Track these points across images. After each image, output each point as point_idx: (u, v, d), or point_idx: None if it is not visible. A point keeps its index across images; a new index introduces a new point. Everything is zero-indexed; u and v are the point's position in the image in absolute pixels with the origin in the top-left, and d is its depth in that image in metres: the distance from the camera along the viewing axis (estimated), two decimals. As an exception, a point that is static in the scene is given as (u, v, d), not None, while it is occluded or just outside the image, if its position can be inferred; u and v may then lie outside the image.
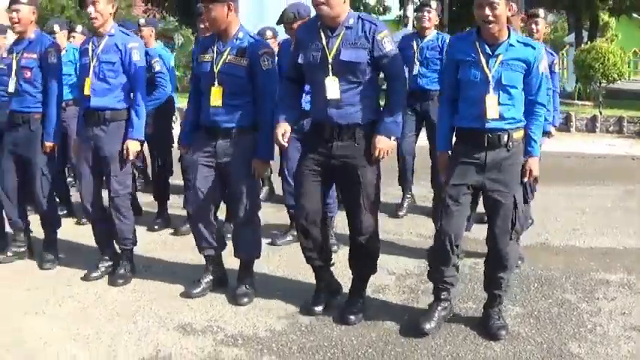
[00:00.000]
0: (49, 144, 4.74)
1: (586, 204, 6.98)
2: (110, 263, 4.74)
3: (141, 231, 5.25)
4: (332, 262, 4.14)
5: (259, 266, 4.56)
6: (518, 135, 3.66)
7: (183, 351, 3.63)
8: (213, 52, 4.12)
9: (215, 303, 4.26)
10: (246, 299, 4.22)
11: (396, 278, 4.68)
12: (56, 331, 3.86)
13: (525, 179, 3.74)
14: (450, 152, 3.82)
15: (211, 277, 4.40)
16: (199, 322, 3.99)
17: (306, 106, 4.27)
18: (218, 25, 4.07)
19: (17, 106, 4.75)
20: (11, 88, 4.75)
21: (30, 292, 4.48)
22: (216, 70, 4.07)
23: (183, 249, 5.23)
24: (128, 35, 4.57)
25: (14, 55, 4.78)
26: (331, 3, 3.64)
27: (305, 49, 3.82)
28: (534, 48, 3.61)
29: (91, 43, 4.53)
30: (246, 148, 4.11)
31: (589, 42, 17.23)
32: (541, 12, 5.07)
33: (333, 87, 3.71)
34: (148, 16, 19.39)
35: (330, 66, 3.71)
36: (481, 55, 3.57)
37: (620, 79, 15.08)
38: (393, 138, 3.79)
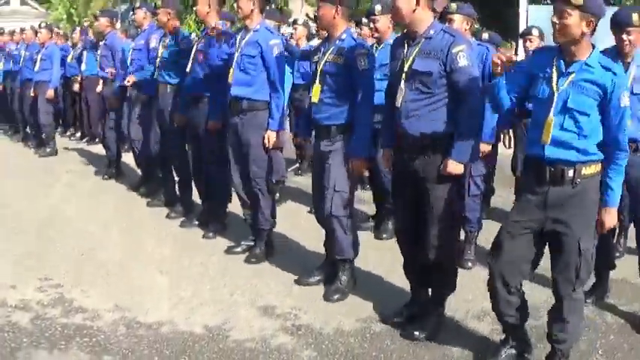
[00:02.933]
0: None
1: None
2: (252, 243, 5.15)
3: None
4: None
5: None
6: (590, 171, 3.12)
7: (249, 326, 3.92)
8: (320, 52, 4.28)
9: (310, 294, 4.41)
10: (336, 296, 4.29)
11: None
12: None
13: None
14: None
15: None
16: (281, 307, 4.20)
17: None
18: (324, 24, 4.23)
19: None
20: None
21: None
22: (318, 69, 4.23)
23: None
24: (272, 33, 4.89)
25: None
26: (400, 14, 3.59)
27: (392, 60, 3.83)
28: (615, 74, 3.03)
29: (239, 36, 4.96)
30: (342, 147, 4.19)
31: None
32: (635, 17, 3.89)
33: (402, 96, 3.64)
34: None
35: (404, 75, 3.63)
36: (554, 70, 3.13)
37: None
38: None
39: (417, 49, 3.59)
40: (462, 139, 3.55)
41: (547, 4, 24.13)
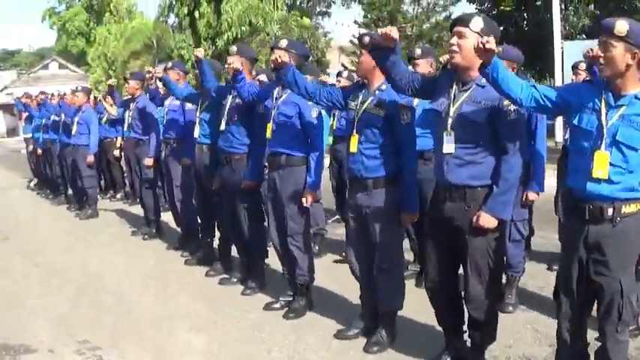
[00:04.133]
0: None
1: None
2: (290, 298, 5.08)
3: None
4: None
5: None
6: (632, 209, 3.01)
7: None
8: (358, 100, 4.22)
9: (349, 347, 4.30)
10: (376, 348, 4.17)
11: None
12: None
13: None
14: None
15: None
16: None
17: None
18: (363, 72, 4.19)
19: None
20: None
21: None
22: (356, 119, 4.17)
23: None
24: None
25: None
26: (464, 53, 3.45)
27: (438, 97, 3.71)
28: None
29: (275, 91, 4.99)
30: (384, 201, 4.08)
31: None
32: None
33: (449, 142, 3.55)
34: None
35: (450, 119, 3.55)
36: (603, 103, 3.06)
37: None
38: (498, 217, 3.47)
39: (465, 95, 3.52)
40: (499, 193, 3.46)
41: (582, 38, 24.23)
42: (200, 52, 5.74)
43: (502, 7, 24.85)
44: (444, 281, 3.74)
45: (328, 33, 29.61)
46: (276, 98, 4.96)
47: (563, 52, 15.98)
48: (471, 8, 26.40)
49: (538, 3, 25.05)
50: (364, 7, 26.46)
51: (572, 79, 6.21)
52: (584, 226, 3.07)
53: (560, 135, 15.69)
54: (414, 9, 26.01)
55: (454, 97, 3.57)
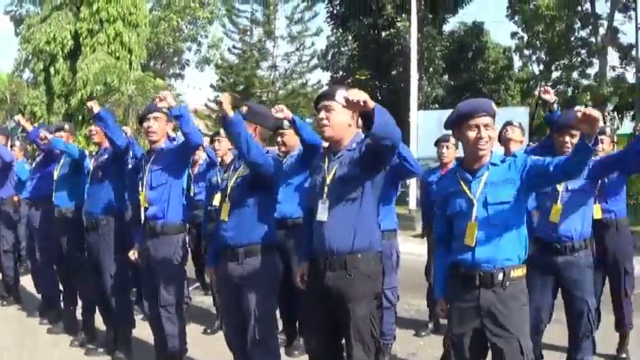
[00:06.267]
0: None
1: None
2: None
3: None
4: None
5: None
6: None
7: None
8: (230, 169, 4.23)
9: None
10: None
11: None
12: None
13: None
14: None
15: None
16: None
17: None
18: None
19: None
20: None
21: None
22: (229, 186, 4.13)
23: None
24: None
25: None
26: (334, 126, 3.55)
27: (313, 175, 3.77)
28: None
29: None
30: (258, 270, 4.00)
31: None
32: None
33: (323, 210, 3.54)
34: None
35: (326, 187, 3.55)
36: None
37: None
38: None
39: (339, 162, 3.56)
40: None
41: (436, 108, 25.63)
42: (95, 105, 5.05)
43: (358, 76, 25.67)
44: (327, 352, 3.69)
45: (180, 95, 29.33)
46: (145, 161, 4.88)
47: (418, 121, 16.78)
48: (326, 76, 27.18)
49: (393, 72, 26.24)
50: (221, 70, 26.68)
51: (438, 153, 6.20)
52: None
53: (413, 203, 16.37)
54: (270, 74, 26.50)
55: (328, 168, 3.59)
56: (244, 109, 4.04)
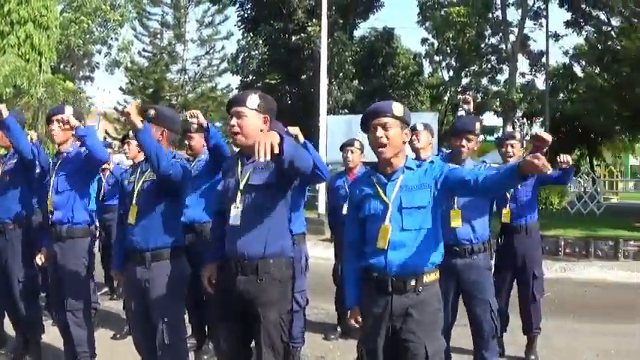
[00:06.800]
0: None
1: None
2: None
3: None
4: None
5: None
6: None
7: None
8: (136, 172, 4.19)
9: None
10: None
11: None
12: None
13: None
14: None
15: None
16: None
17: None
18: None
19: None
20: None
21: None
22: (135, 190, 4.11)
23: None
24: None
25: None
26: (246, 132, 3.53)
27: (225, 178, 3.79)
28: None
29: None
30: (168, 273, 4.01)
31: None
32: (477, 125, 4.53)
33: (235, 214, 3.55)
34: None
35: (239, 192, 3.57)
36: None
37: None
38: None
39: (252, 167, 3.59)
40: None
41: (345, 113, 25.78)
42: (4, 109, 4.84)
43: (267, 80, 25.76)
44: (237, 356, 3.67)
45: (90, 98, 28.44)
46: (53, 165, 4.82)
47: (327, 126, 16.92)
48: (236, 80, 26.99)
49: (303, 77, 26.39)
50: (131, 73, 26.14)
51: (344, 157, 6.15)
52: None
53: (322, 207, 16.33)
54: (180, 78, 26.21)
55: (241, 173, 3.61)
56: (152, 112, 4.05)
